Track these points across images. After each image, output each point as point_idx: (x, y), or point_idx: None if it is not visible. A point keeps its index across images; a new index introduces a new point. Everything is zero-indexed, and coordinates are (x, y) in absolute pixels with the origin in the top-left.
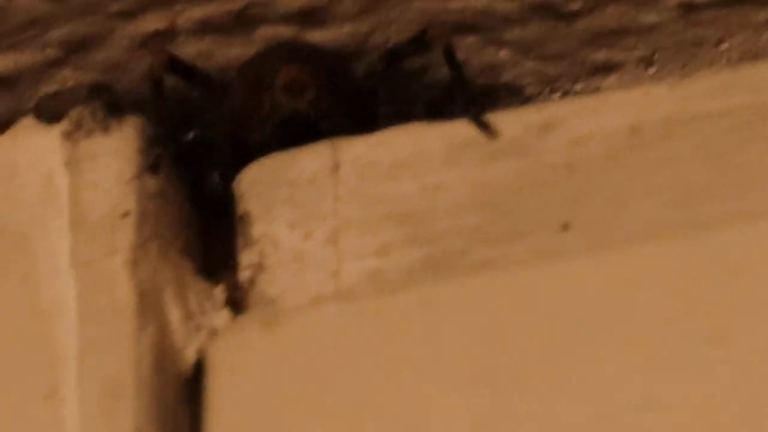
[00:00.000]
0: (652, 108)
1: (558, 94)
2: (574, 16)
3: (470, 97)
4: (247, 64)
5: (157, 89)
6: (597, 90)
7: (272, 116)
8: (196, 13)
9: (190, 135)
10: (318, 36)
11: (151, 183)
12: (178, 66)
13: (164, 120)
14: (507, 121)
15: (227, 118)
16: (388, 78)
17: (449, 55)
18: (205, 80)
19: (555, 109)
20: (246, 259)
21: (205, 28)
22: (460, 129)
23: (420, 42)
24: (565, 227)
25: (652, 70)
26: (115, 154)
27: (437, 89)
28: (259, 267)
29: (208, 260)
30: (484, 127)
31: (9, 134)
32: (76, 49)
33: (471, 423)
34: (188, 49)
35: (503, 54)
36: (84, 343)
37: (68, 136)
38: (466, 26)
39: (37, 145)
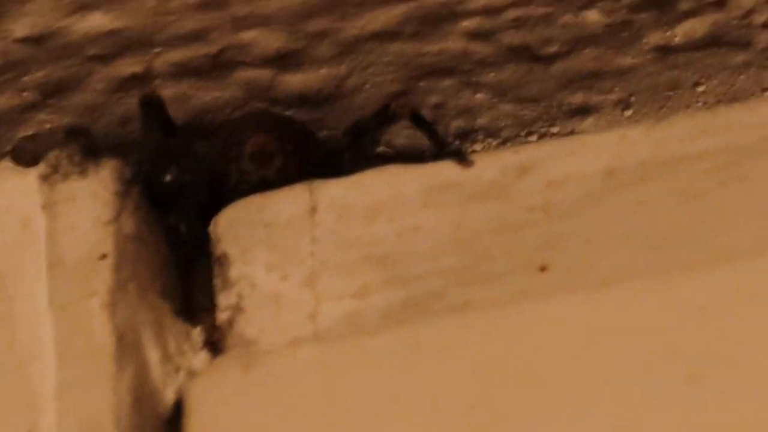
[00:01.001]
0: (628, 150)
1: (535, 137)
2: (551, 59)
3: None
4: (216, 134)
5: (149, 113)
6: (574, 132)
7: (240, 185)
8: (173, 56)
9: (168, 177)
10: (295, 79)
11: (129, 225)
12: (163, 113)
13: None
14: (484, 163)
15: (201, 176)
16: (354, 146)
17: (419, 122)
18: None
19: (532, 152)
20: (224, 300)
21: (182, 71)
22: (437, 171)
23: (385, 116)
24: (543, 269)
25: (628, 113)
26: (92, 197)
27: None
28: (237, 309)
29: (187, 302)
30: (462, 159)
31: None
32: (53, 92)
33: None
34: (165, 93)
35: (480, 97)
36: (62, 385)
37: (45, 179)
38: (442, 69)
39: (15, 188)
